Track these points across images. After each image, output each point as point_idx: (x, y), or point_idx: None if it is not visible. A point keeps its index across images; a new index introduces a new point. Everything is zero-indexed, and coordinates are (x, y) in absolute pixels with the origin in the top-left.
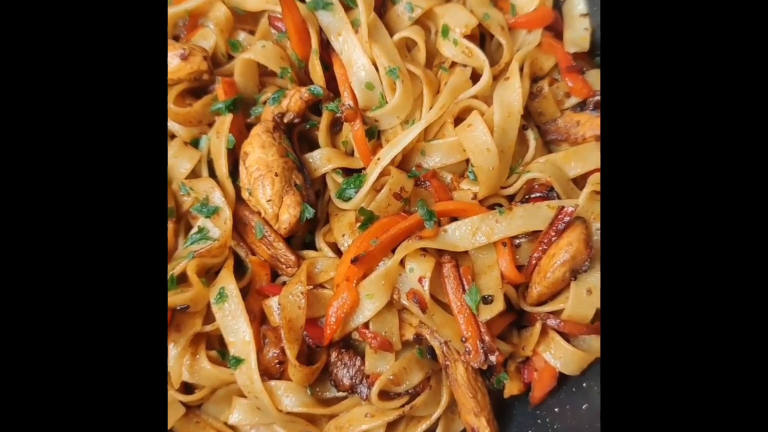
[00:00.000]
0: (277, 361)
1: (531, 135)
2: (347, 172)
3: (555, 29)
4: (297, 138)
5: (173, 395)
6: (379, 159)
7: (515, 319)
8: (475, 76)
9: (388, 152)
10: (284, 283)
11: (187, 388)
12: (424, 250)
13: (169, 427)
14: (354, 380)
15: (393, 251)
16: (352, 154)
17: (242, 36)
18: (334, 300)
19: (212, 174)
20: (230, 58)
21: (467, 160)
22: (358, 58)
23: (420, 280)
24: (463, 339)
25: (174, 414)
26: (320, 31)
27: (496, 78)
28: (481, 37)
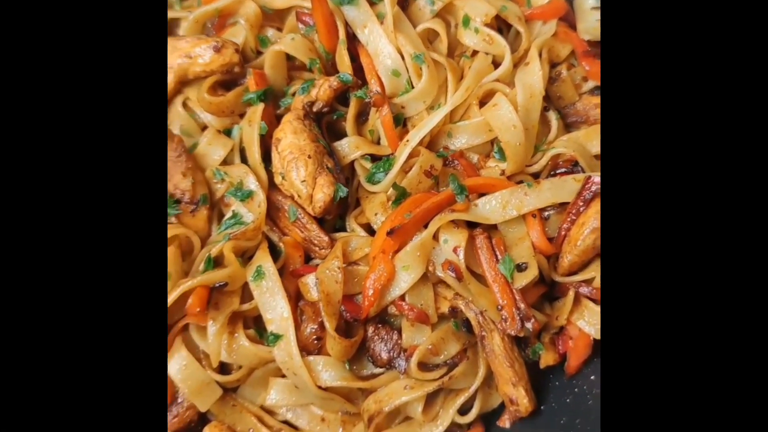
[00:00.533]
0: (315, 336)
1: (553, 116)
2: (374, 159)
3: (568, 20)
4: (325, 128)
5: (211, 375)
6: (408, 141)
7: (546, 291)
8: (496, 65)
9: (417, 133)
10: (317, 266)
11: (223, 371)
12: (456, 224)
13: (205, 409)
14: (392, 354)
15: (425, 227)
16: (377, 143)
17: (270, 32)
18: (371, 272)
19: (244, 162)
20: (258, 54)
21: (492, 141)
22: (384, 47)
23: (455, 249)
24: (499, 307)
25: (211, 396)
26: (346, 25)
27: (516, 65)
28: (498, 30)
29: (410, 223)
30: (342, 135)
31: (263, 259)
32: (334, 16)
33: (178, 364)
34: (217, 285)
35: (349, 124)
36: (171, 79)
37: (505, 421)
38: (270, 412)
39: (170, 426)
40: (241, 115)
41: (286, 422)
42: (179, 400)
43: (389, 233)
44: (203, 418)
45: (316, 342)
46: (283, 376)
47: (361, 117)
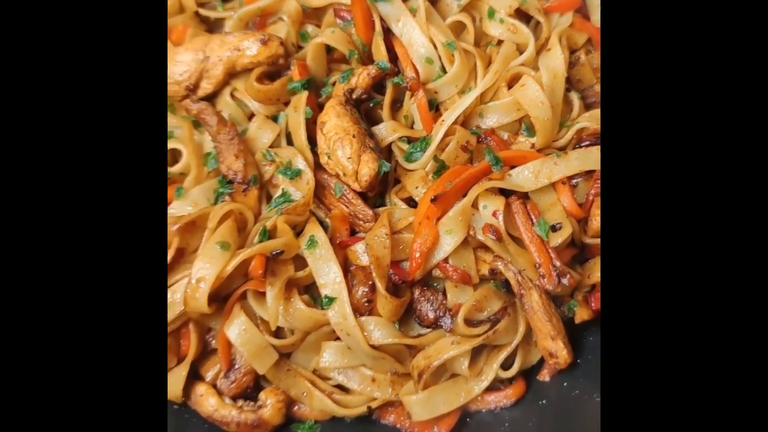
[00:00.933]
0: (365, 299)
1: (575, 96)
2: (409, 142)
3: (582, 12)
4: (363, 115)
5: (268, 339)
6: (443, 120)
7: (577, 254)
8: (519, 52)
9: (452, 114)
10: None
11: (277, 338)
12: (492, 192)
13: (264, 371)
14: (438, 313)
15: (463, 196)
16: (411, 127)
17: (310, 28)
18: (417, 237)
19: (290, 145)
20: (299, 48)
21: (519, 120)
22: (418, 37)
23: (494, 214)
24: (537, 265)
25: (269, 359)
26: (380, 19)
27: (538, 52)
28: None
29: (451, 192)
30: (378, 121)
31: (314, 229)
32: (371, 11)
33: (238, 329)
34: (274, 253)
35: (385, 110)
36: (220, 71)
37: (544, 375)
38: (322, 377)
39: (228, 391)
40: (286, 103)
41: (337, 386)
42: (236, 366)
43: (433, 200)
44: (257, 385)
45: (366, 304)
46: (336, 339)
47: (396, 104)
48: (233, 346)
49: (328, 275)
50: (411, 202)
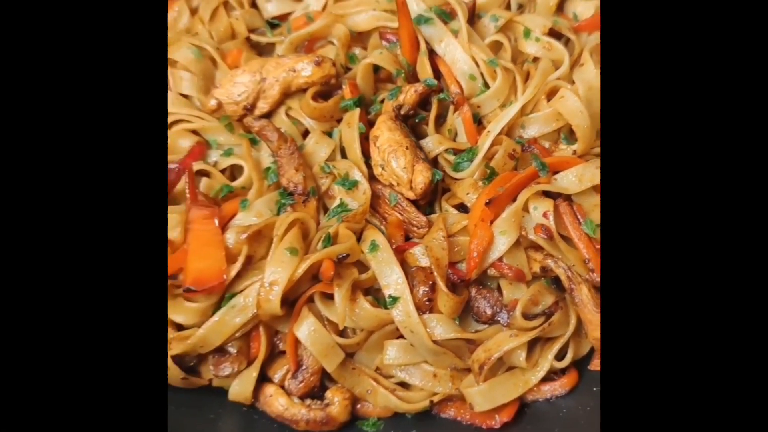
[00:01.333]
0: (426, 298)
1: None
2: (454, 153)
3: None
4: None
5: (335, 339)
6: (489, 132)
7: None
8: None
9: (497, 125)
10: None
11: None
12: (540, 195)
13: (332, 369)
14: (494, 309)
15: (513, 200)
16: (454, 140)
17: (357, 50)
18: (473, 238)
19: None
20: (346, 69)
21: (558, 130)
22: (460, 55)
23: (545, 214)
24: (586, 260)
25: (336, 358)
26: (425, 41)
27: (572, 67)
28: None
29: (503, 195)
30: (423, 135)
31: (375, 234)
32: (416, 33)
33: (307, 329)
34: (340, 257)
35: (430, 124)
36: (277, 90)
37: (596, 365)
38: (384, 375)
39: (297, 391)
40: (338, 120)
41: (399, 384)
42: (303, 366)
43: (487, 203)
44: (323, 385)
45: (427, 303)
46: (398, 338)
47: (439, 119)
48: (300, 347)
49: (391, 276)
50: (461, 208)
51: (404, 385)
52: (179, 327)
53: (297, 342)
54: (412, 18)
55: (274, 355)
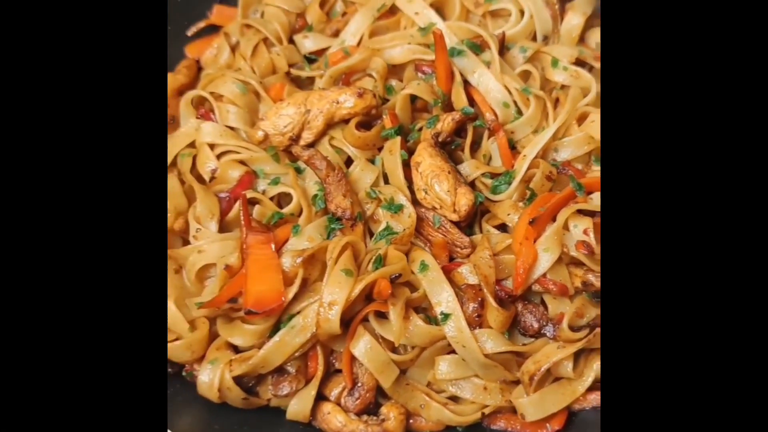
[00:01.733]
0: (476, 314)
1: None
2: (491, 177)
3: None
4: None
5: (390, 356)
6: (525, 155)
7: None
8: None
9: (533, 149)
10: (462, 263)
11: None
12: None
13: (388, 385)
14: (541, 322)
15: (553, 219)
16: (488, 164)
17: (393, 82)
18: (519, 256)
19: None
20: (384, 100)
21: (590, 153)
22: (494, 85)
23: (585, 231)
24: None
25: (392, 374)
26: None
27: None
28: None
29: (545, 215)
30: (458, 161)
31: (423, 255)
32: (451, 65)
33: (364, 347)
34: (393, 276)
35: (466, 150)
36: (321, 121)
37: None
38: (436, 390)
39: (353, 407)
40: (379, 149)
41: (450, 398)
42: (359, 384)
43: (531, 222)
44: (376, 402)
45: (477, 318)
46: (449, 353)
47: (473, 145)
48: (355, 364)
49: (442, 294)
50: (500, 229)
51: (455, 399)
52: (236, 350)
53: (353, 360)
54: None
55: (329, 373)
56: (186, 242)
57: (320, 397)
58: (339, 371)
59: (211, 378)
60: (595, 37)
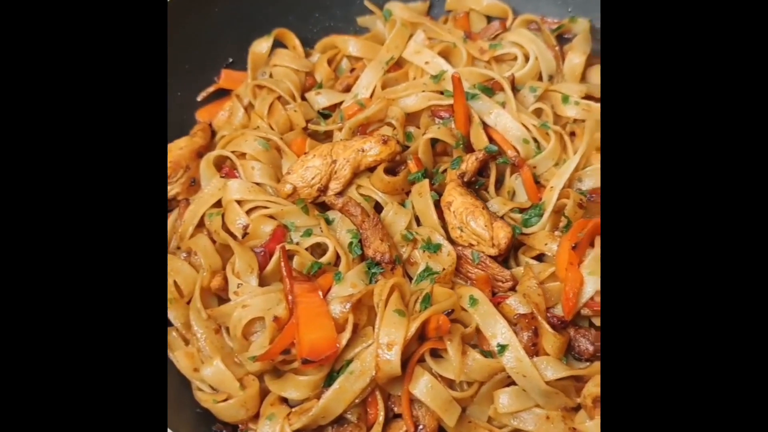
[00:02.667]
0: (531, 343)
1: None
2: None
3: None
4: None
5: (452, 394)
6: (552, 187)
7: None
8: None
9: (559, 179)
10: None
11: None
12: None
13: (453, 423)
14: (596, 345)
15: (591, 245)
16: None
17: (412, 129)
18: (566, 282)
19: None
20: (404, 148)
21: None
22: (511, 123)
23: None
24: None
25: (455, 411)
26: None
27: None
28: None
29: (584, 240)
30: (485, 201)
31: (470, 290)
32: (468, 107)
33: (425, 386)
34: (447, 312)
35: (491, 188)
36: (348, 170)
37: None
38: (498, 426)
39: None
40: (407, 193)
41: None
42: (421, 427)
43: (573, 248)
44: None
45: (533, 347)
46: (507, 385)
47: (496, 184)
48: (414, 407)
49: (496, 327)
50: (537, 260)
51: (519, 431)
52: (289, 405)
53: (412, 402)
54: None
55: (388, 419)
56: (222, 301)
57: None
58: (398, 416)
59: None
60: (595, 74)
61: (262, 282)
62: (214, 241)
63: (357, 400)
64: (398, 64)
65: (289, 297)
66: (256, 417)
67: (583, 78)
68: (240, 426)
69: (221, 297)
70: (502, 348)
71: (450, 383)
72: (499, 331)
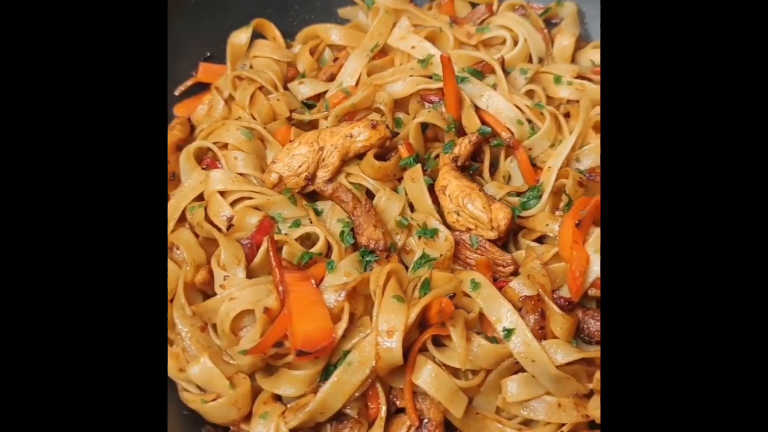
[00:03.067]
0: (538, 326)
1: None
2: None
3: None
4: None
5: (457, 383)
6: (550, 167)
7: None
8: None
9: (557, 159)
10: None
11: None
12: None
13: (461, 414)
14: None
15: (593, 222)
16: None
17: (401, 115)
18: (572, 261)
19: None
20: (394, 135)
21: None
22: (504, 105)
23: None
24: None
25: (462, 402)
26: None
27: None
28: None
29: (588, 217)
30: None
31: (471, 274)
32: (459, 90)
33: (429, 376)
34: (449, 296)
35: (486, 171)
36: (336, 157)
37: None
38: (508, 416)
39: None
40: (399, 180)
41: (524, 423)
42: (426, 420)
43: (577, 225)
44: None
45: (540, 331)
46: (516, 372)
47: (490, 168)
48: (418, 400)
49: (500, 310)
50: (538, 242)
51: (529, 423)
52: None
53: (415, 395)
54: None
55: (390, 414)
56: (208, 298)
57: None
58: (401, 411)
59: None
60: (587, 55)
61: (250, 275)
62: (197, 235)
63: (357, 394)
64: (383, 51)
65: (280, 287)
66: (248, 417)
67: (573, 61)
68: (231, 427)
69: (206, 293)
70: (509, 332)
71: (455, 373)
72: (504, 315)
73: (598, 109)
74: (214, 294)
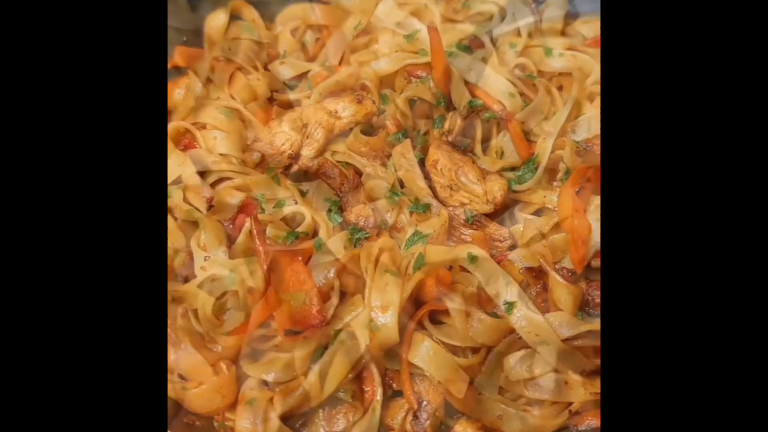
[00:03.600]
0: (541, 300)
1: None
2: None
3: None
4: None
5: (459, 362)
6: (545, 138)
7: None
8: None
9: (553, 130)
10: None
11: None
12: None
13: (462, 395)
14: None
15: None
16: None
17: (387, 92)
18: (573, 231)
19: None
20: (380, 112)
21: None
22: (495, 78)
23: None
24: None
25: (463, 382)
26: None
27: None
28: None
29: (589, 184)
30: None
31: (468, 247)
32: (448, 63)
33: (426, 353)
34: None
35: (478, 147)
36: (321, 134)
37: None
38: (512, 397)
39: (425, 430)
40: (387, 156)
41: (529, 404)
42: (425, 403)
43: (578, 192)
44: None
45: (543, 304)
46: (519, 349)
47: (484, 143)
48: (416, 381)
49: (499, 282)
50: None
51: (535, 403)
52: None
53: (412, 376)
54: None
55: (387, 398)
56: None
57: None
58: (398, 393)
59: (254, 422)
60: (576, 29)
61: (232, 256)
62: (175, 219)
63: (350, 376)
64: (366, 31)
65: (265, 265)
66: (233, 406)
67: (563, 36)
68: (215, 417)
69: (186, 279)
70: (510, 306)
71: (454, 351)
72: (504, 288)
73: (591, 80)
74: (195, 277)
